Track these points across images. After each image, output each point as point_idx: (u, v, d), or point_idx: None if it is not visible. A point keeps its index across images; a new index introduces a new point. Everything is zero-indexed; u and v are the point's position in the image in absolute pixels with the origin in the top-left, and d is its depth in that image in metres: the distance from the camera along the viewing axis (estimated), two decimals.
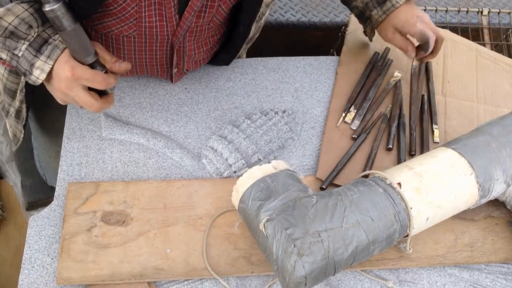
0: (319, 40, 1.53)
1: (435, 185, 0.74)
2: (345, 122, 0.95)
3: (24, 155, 1.36)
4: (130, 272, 0.73)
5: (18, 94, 0.92)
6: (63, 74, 0.69)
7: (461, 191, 0.75)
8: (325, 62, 1.06)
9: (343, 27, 1.14)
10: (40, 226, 0.78)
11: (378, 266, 0.79)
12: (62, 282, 0.72)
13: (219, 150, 0.87)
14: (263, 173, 0.73)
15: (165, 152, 0.88)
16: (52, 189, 0.93)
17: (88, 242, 0.75)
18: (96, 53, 0.72)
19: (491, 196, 0.79)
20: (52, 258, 0.75)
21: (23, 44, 0.70)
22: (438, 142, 0.94)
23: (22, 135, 1.01)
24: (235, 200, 0.75)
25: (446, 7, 1.34)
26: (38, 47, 0.70)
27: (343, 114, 0.95)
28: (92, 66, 0.72)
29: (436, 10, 1.35)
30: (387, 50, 1.06)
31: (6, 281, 1.23)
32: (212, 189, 0.83)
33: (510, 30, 1.37)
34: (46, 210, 0.80)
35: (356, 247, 0.68)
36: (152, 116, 0.92)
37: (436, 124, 0.96)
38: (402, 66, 1.05)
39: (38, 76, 0.71)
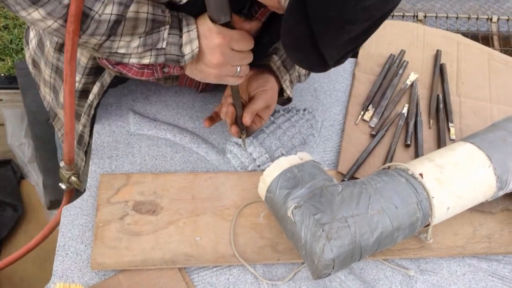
0: None
1: (456, 177, 0.77)
2: (364, 120, 0.98)
3: (46, 156, 1.39)
4: (162, 258, 0.76)
5: (82, 117, 0.90)
6: (213, 42, 0.68)
7: (480, 183, 0.78)
8: (343, 64, 1.08)
9: None
10: (73, 215, 0.81)
11: (400, 256, 0.81)
12: (96, 267, 0.74)
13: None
14: (289, 164, 0.77)
15: (191, 147, 0.91)
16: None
17: (121, 230, 0.78)
18: (231, 13, 0.68)
19: (508, 189, 0.82)
20: (85, 245, 0.78)
21: (165, 30, 0.69)
22: (454, 140, 0.97)
23: (83, 163, 0.96)
24: (262, 190, 0.78)
25: (457, 14, 1.38)
26: (177, 25, 0.69)
27: (362, 113, 0.99)
28: (226, 26, 0.70)
29: (447, 17, 1.39)
30: (402, 52, 1.10)
31: (28, 276, 1.26)
32: (238, 182, 0.86)
33: None
34: (78, 201, 0.83)
35: (381, 233, 0.71)
36: (178, 113, 0.96)
37: (452, 122, 0.99)
38: (417, 67, 1.09)
39: (192, 49, 0.69)
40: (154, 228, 0.79)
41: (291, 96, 0.89)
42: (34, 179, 1.42)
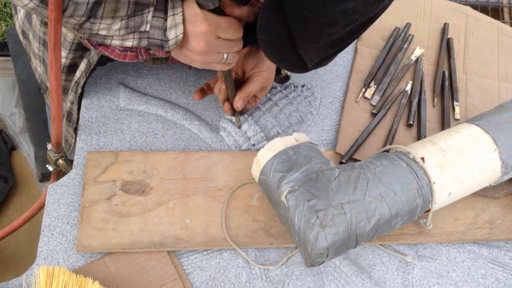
0: None
1: (459, 161, 0.73)
2: (365, 98, 0.94)
3: (37, 127, 1.36)
4: (150, 241, 0.73)
5: (69, 94, 0.87)
6: (199, 29, 0.64)
7: (484, 168, 0.75)
8: None
9: None
10: (59, 194, 0.78)
11: (397, 241, 0.78)
12: (82, 249, 0.72)
13: None
14: (285, 145, 0.73)
15: (183, 124, 0.87)
16: None
17: (108, 210, 0.75)
18: None
19: None
20: (71, 226, 0.75)
21: (148, 13, 0.64)
22: (459, 119, 0.93)
23: (73, 140, 0.92)
24: (256, 172, 0.74)
25: None
26: (163, 8, 0.65)
27: (363, 90, 0.94)
28: (214, 12, 0.65)
29: None
30: (408, 25, 1.04)
31: (20, 249, 1.24)
32: (231, 161, 0.82)
33: None
34: (64, 179, 0.79)
35: (378, 220, 0.68)
36: (170, 88, 0.92)
37: (457, 101, 0.95)
38: (423, 42, 1.04)
39: (176, 35, 0.65)
40: (142, 209, 0.76)
41: (288, 74, 0.84)
42: (26, 150, 1.39)
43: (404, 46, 1.01)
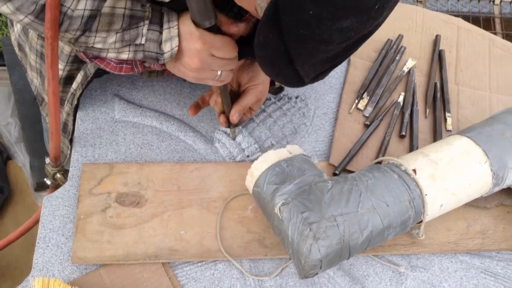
0: None
1: (450, 173, 0.74)
2: (358, 109, 0.95)
3: (33, 137, 1.36)
4: (145, 253, 0.73)
5: (65, 105, 0.87)
6: (193, 46, 0.65)
7: (475, 179, 0.76)
8: None
9: None
10: (54, 206, 0.78)
11: (390, 251, 0.79)
12: (77, 261, 0.72)
13: None
14: (278, 157, 0.74)
15: (178, 136, 0.88)
16: None
17: (103, 222, 0.75)
18: (216, 16, 0.64)
19: (505, 185, 0.79)
20: (66, 238, 0.75)
21: (144, 26, 0.65)
22: (450, 130, 0.94)
23: (69, 152, 0.92)
24: (250, 183, 0.75)
25: None
26: (159, 21, 0.65)
27: (356, 101, 0.95)
28: (210, 31, 0.65)
29: None
30: (400, 37, 1.06)
31: (16, 260, 1.24)
32: (226, 173, 0.83)
33: None
34: (60, 191, 0.80)
35: (371, 232, 0.68)
36: (165, 100, 0.92)
37: (449, 112, 0.96)
38: (415, 53, 1.05)
39: (171, 47, 0.65)
40: (137, 221, 0.76)
41: (282, 85, 0.85)
42: (21, 160, 1.39)
43: (397, 57, 1.02)
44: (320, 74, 0.61)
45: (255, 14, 0.61)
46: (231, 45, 0.68)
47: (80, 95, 0.83)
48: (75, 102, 0.84)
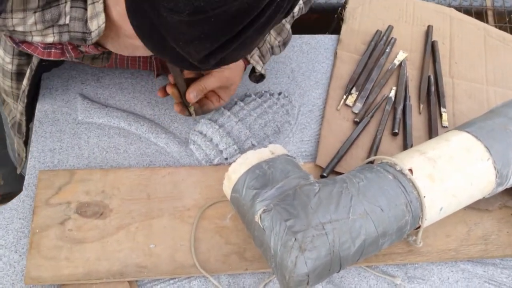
0: (313, 23, 1.44)
1: (450, 172, 0.67)
2: (346, 105, 0.87)
3: None
4: (109, 271, 0.65)
5: (18, 104, 0.80)
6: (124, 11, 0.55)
7: (478, 178, 0.68)
8: (323, 41, 0.98)
9: (339, 8, 1.05)
10: (7, 219, 0.70)
11: (385, 262, 0.71)
12: (30, 282, 0.63)
13: (208, 134, 0.79)
14: (258, 159, 0.65)
15: (149, 137, 0.79)
16: None
17: (61, 236, 0.66)
18: None
19: (509, 184, 0.72)
20: (20, 255, 0.67)
21: (66, 3, 0.57)
22: (447, 127, 0.87)
23: (25, 155, 0.86)
24: (227, 189, 0.67)
25: None
26: None
27: (344, 97, 0.88)
28: None
29: None
30: (390, 28, 0.98)
31: None
32: (201, 178, 0.75)
33: None
34: (14, 201, 0.71)
35: (364, 241, 0.60)
36: (134, 98, 0.84)
37: (444, 107, 0.89)
38: (406, 45, 0.98)
39: (98, 25, 0.57)
40: (100, 235, 0.67)
41: (263, 72, 0.77)
42: None
43: (387, 50, 0.95)
44: (208, 55, 0.51)
45: None
46: None
47: (29, 91, 0.74)
48: (25, 100, 0.75)
